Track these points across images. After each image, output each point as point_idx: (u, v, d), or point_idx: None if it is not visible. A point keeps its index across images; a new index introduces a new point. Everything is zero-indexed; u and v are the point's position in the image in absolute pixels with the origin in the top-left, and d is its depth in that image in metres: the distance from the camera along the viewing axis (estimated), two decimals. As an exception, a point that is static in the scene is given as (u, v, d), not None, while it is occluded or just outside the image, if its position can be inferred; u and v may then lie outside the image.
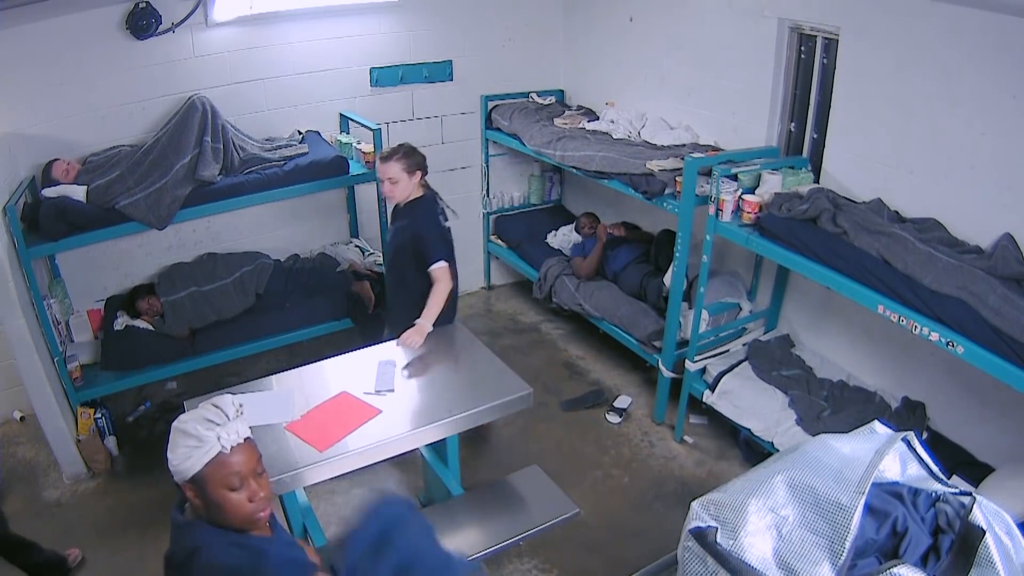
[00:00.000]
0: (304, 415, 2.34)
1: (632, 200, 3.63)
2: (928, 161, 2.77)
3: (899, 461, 1.64)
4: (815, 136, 3.29)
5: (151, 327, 3.52)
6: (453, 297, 3.02)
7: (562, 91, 4.77)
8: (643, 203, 3.47)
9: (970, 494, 1.57)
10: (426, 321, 2.75)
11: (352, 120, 4.08)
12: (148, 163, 3.29)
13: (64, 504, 3.19)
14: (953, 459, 2.74)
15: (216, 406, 1.32)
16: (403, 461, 3.13)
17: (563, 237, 4.57)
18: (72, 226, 3.10)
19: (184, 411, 1.44)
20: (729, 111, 3.59)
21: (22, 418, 3.73)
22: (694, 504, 1.57)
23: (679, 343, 3.47)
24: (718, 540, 1.47)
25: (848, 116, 3.04)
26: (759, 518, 1.46)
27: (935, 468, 1.69)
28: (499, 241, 4.86)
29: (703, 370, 3.45)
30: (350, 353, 2.75)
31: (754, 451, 3.23)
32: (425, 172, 2.98)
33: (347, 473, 2.33)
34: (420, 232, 2.88)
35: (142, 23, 3.37)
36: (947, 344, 2.31)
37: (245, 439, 1.33)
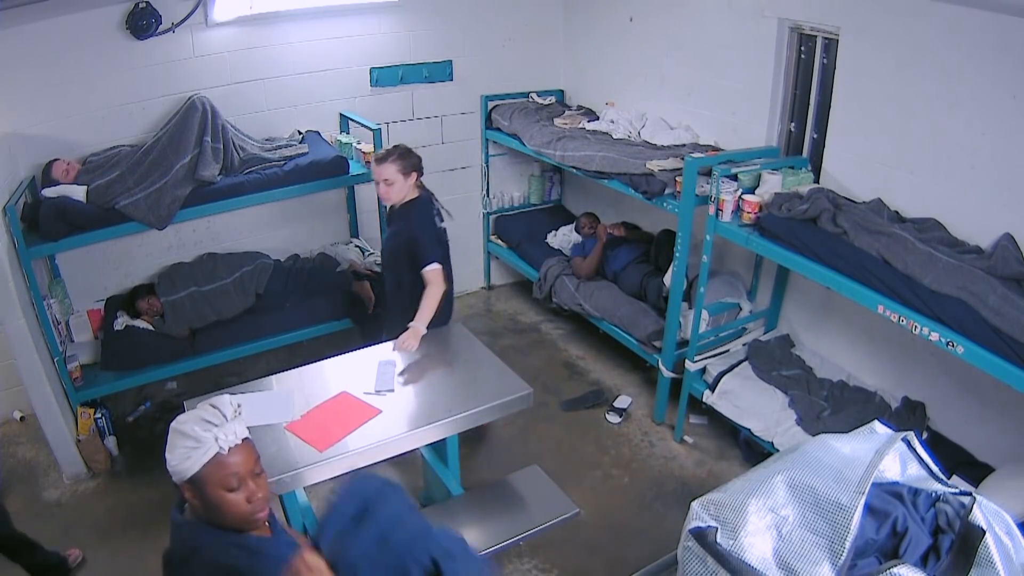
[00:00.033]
0: (304, 415, 2.34)
1: (632, 200, 3.63)
2: (928, 161, 2.77)
3: (899, 461, 1.64)
4: (815, 136, 3.29)
5: (151, 327, 3.52)
6: (449, 298, 3.02)
7: (562, 91, 4.77)
8: (643, 203, 3.47)
9: (970, 494, 1.57)
10: (420, 324, 2.73)
11: (352, 120, 4.08)
12: (148, 163, 3.29)
13: (64, 504, 3.19)
14: (953, 459, 2.74)
15: (214, 407, 1.32)
16: (403, 461, 3.12)
17: (563, 237, 4.57)
18: (72, 226, 3.10)
19: (184, 411, 1.45)
20: (729, 111, 3.59)
21: (22, 418, 3.73)
22: (694, 504, 1.57)
23: (679, 343, 3.47)
24: (718, 540, 1.47)
25: (848, 116, 3.04)
26: (759, 518, 1.46)
27: (935, 468, 1.69)
28: (499, 241, 4.86)
29: (703, 370, 3.45)
30: (350, 353, 2.75)
31: (754, 451, 3.23)
32: (421, 173, 2.97)
33: (347, 473, 2.33)
34: (415, 233, 2.87)
35: (142, 23, 3.37)
36: (947, 344, 2.30)
37: (243, 440, 1.33)
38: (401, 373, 2.59)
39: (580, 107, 4.56)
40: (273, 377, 2.58)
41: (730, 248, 3.65)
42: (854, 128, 3.02)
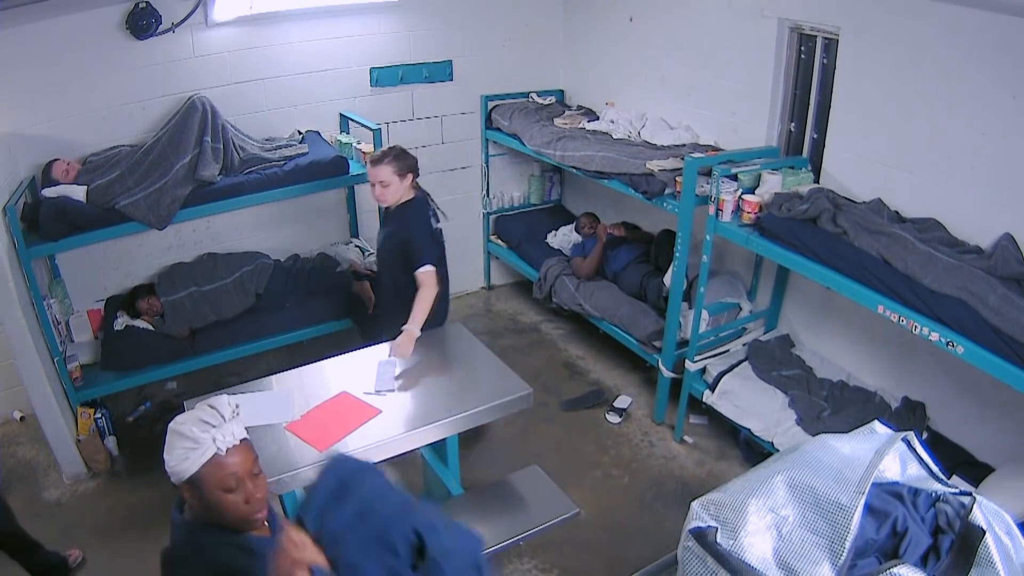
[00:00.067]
0: (304, 415, 2.34)
1: (632, 200, 3.63)
2: (928, 161, 2.77)
3: (899, 461, 1.64)
4: (815, 136, 3.29)
5: (151, 327, 3.52)
6: (444, 299, 3.01)
7: (562, 91, 4.77)
8: (643, 203, 3.47)
9: (970, 494, 1.57)
10: (414, 326, 2.70)
11: (352, 120, 4.08)
12: (148, 163, 3.29)
13: (64, 504, 3.19)
14: (953, 459, 2.74)
15: (212, 407, 1.32)
16: (403, 461, 3.11)
17: (563, 237, 4.57)
18: (72, 226, 3.09)
19: (184, 411, 1.45)
20: (729, 111, 3.59)
21: (22, 418, 3.73)
22: (694, 504, 1.57)
23: (679, 343, 3.47)
24: (718, 540, 1.47)
25: (848, 116, 3.04)
26: (759, 518, 1.46)
27: (935, 468, 1.69)
28: (499, 241, 4.86)
29: (703, 370, 3.45)
30: (350, 353, 2.75)
31: (754, 451, 3.23)
32: (417, 174, 2.95)
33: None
34: (410, 235, 2.86)
35: (142, 23, 3.37)
36: (947, 344, 2.31)
37: (241, 440, 1.33)
38: (401, 373, 2.59)
39: (580, 107, 4.56)
40: (273, 377, 2.58)
41: (730, 248, 3.65)
42: (854, 128, 3.02)
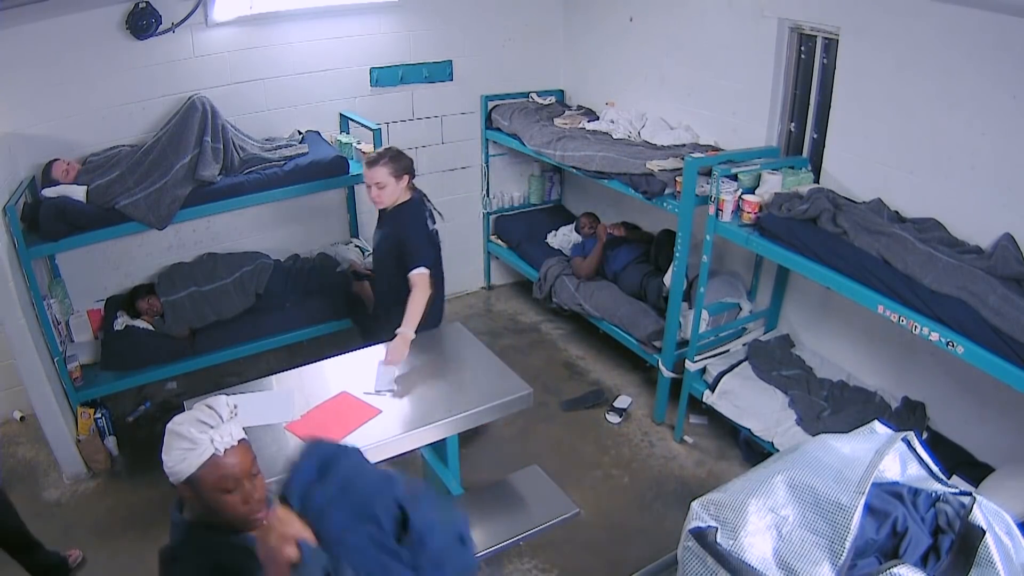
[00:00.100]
0: (304, 415, 2.34)
1: (632, 200, 3.63)
2: (928, 161, 2.77)
3: (899, 461, 1.64)
4: (815, 136, 3.29)
5: (151, 327, 3.52)
6: (440, 300, 3.01)
7: (562, 91, 4.77)
8: (643, 203, 3.47)
9: (970, 494, 1.57)
10: (408, 329, 2.66)
11: (352, 120, 4.08)
12: (148, 163, 3.29)
13: (64, 504, 3.19)
14: (953, 459, 2.74)
15: (210, 408, 1.32)
16: (403, 461, 3.12)
17: (563, 237, 4.57)
18: (72, 226, 3.09)
19: (184, 411, 1.45)
20: (729, 111, 3.59)
21: (22, 418, 3.73)
22: (694, 504, 1.57)
23: (679, 343, 3.47)
24: (718, 540, 1.47)
25: (848, 116, 3.04)
26: (759, 518, 1.46)
27: (935, 468, 1.69)
28: (499, 241, 4.86)
29: (703, 370, 3.45)
30: (350, 353, 2.75)
31: (754, 451, 3.23)
32: (413, 175, 2.94)
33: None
34: (406, 236, 2.84)
35: (142, 23, 3.37)
36: (947, 344, 2.31)
37: (239, 441, 1.33)
38: (401, 373, 2.59)
39: (580, 107, 4.56)
40: (273, 377, 2.58)
41: (730, 248, 3.65)
42: (854, 128, 3.02)
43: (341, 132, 4.12)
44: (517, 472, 2.74)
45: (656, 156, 3.48)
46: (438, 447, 2.75)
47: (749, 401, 3.20)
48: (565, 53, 4.67)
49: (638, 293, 3.83)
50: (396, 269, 2.88)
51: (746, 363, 3.39)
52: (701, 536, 1.50)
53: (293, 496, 1.17)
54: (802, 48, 3.27)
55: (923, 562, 1.47)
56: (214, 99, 3.56)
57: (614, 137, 3.90)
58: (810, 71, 3.25)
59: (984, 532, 1.43)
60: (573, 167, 3.78)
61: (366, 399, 2.43)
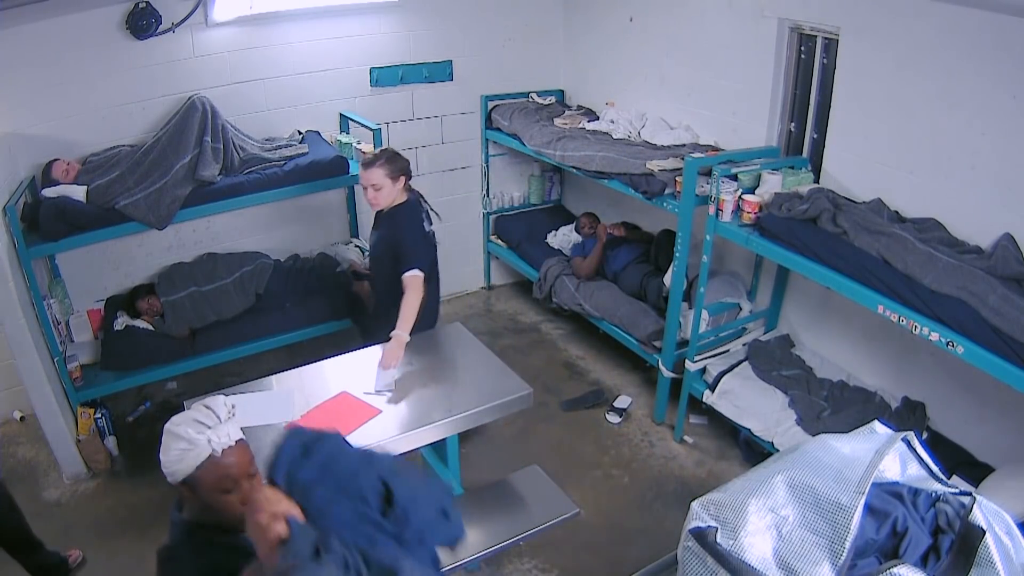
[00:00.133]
0: (304, 415, 2.34)
1: (632, 200, 3.63)
2: (928, 161, 2.77)
3: (899, 461, 1.64)
4: (815, 136, 3.29)
5: (151, 327, 3.51)
6: (435, 301, 3.00)
7: (562, 91, 4.77)
8: (643, 203, 3.47)
9: (970, 494, 1.57)
10: (402, 332, 2.64)
11: (352, 120, 4.08)
12: (148, 163, 3.29)
13: (64, 504, 3.19)
14: (953, 459, 2.74)
15: (208, 407, 1.32)
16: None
17: (563, 237, 4.57)
18: (72, 226, 3.09)
19: (184, 411, 1.46)
20: (729, 111, 3.59)
21: (22, 418, 3.73)
22: (694, 504, 1.57)
23: (679, 343, 3.47)
24: (718, 540, 1.47)
25: (848, 116, 3.04)
26: (759, 518, 1.46)
27: (935, 468, 1.69)
28: (499, 241, 4.86)
29: (703, 370, 3.45)
30: (350, 353, 2.75)
31: (754, 451, 3.23)
32: (409, 177, 2.93)
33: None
34: (402, 237, 2.83)
35: (142, 23, 3.37)
36: (947, 344, 2.31)
37: (237, 441, 1.33)
38: (401, 373, 2.59)
39: (580, 107, 4.56)
40: (273, 377, 2.58)
41: (730, 248, 3.65)
42: (854, 128, 3.02)
43: (341, 132, 4.12)
44: (517, 472, 2.74)
45: (656, 156, 3.48)
46: (438, 447, 2.75)
47: (749, 401, 3.20)
48: (565, 53, 4.67)
49: (638, 293, 3.83)
50: (392, 270, 2.87)
51: (746, 363, 3.39)
52: (701, 536, 1.50)
53: (279, 475, 1.19)
54: (802, 48, 3.27)
55: (923, 562, 1.47)
56: (214, 99, 3.55)
57: (614, 137, 3.90)
58: (810, 71, 3.25)
59: (984, 532, 1.43)
60: (573, 167, 3.78)
61: (366, 399, 2.43)
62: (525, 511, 2.54)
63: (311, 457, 1.22)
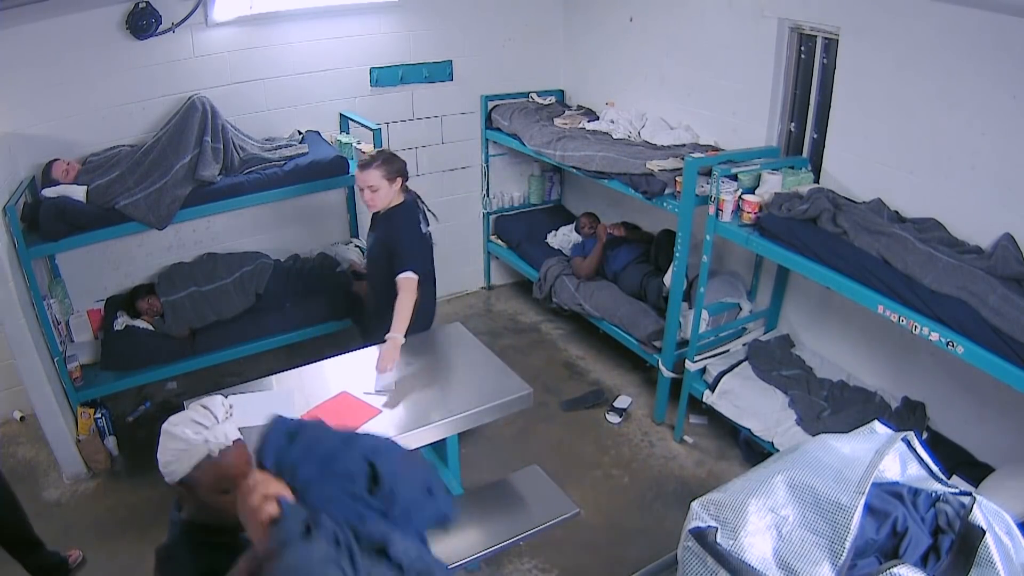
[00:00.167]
0: (304, 415, 2.34)
1: (632, 200, 3.63)
2: (928, 161, 2.77)
3: (899, 461, 1.64)
4: (815, 136, 3.29)
5: (151, 327, 3.51)
6: (432, 302, 2.99)
7: (562, 91, 4.77)
8: (643, 203, 3.47)
9: (970, 494, 1.57)
10: (397, 333, 2.64)
11: (352, 120, 4.08)
12: (148, 163, 3.29)
13: (64, 504, 3.19)
14: (953, 459, 2.74)
15: (205, 408, 1.32)
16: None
17: (563, 237, 4.57)
18: (72, 226, 3.09)
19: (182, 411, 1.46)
20: (729, 111, 3.59)
21: (22, 418, 3.73)
22: (694, 504, 1.57)
23: (679, 343, 3.47)
24: (718, 540, 1.47)
25: (848, 116, 3.04)
26: (759, 518, 1.46)
27: (935, 468, 1.69)
28: (499, 241, 4.86)
29: (703, 370, 3.45)
30: (350, 353, 2.75)
31: (754, 451, 3.23)
32: (406, 178, 2.92)
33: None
34: (397, 239, 2.83)
35: (142, 23, 3.37)
36: (947, 344, 2.31)
37: (235, 441, 1.33)
38: (400, 374, 2.58)
39: (580, 107, 4.56)
40: (273, 377, 2.58)
41: (730, 248, 3.65)
42: (854, 128, 3.02)
43: (341, 132, 4.12)
44: (517, 472, 2.74)
45: (656, 156, 3.48)
46: (438, 447, 2.75)
47: (749, 401, 3.20)
48: (565, 53, 4.67)
49: (638, 293, 3.83)
50: (389, 272, 2.85)
51: (746, 363, 3.39)
52: (701, 536, 1.50)
53: (267, 459, 1.20)
54: (802, 48, 3.27)
55: (923, 562, 1.47)
56: (214, 99, 3.55)
57: (614, 137, 3.90)
58: (810, 71, 3.25)
59: (984, 532, 1.43)
60: (573, 167, 3.78)
61: (366, 399, 2.43)
62: (525, 511, 2.54)
63: (296, 441, 1.23)
